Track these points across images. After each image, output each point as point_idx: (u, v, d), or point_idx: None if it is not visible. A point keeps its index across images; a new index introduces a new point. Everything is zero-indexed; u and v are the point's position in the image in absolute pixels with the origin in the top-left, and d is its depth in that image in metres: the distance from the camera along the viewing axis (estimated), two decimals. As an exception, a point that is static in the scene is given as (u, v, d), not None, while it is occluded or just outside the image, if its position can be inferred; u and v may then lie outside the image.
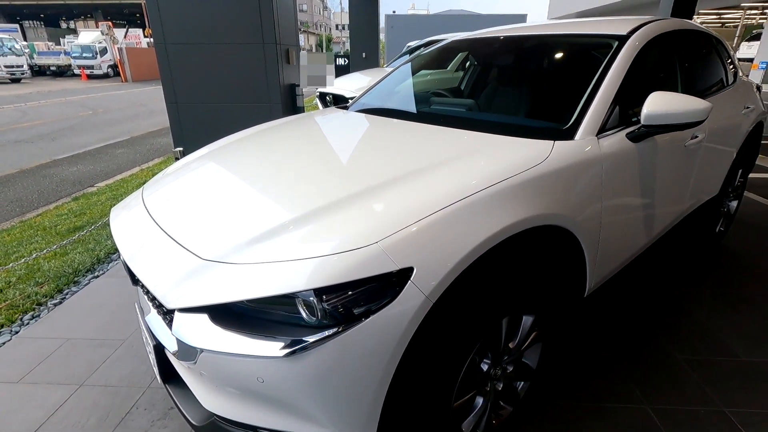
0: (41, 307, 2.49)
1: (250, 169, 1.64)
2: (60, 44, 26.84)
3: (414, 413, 1.20)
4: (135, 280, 1.45)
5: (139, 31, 27.47)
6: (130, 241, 1.38)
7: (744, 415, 1.68)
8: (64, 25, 39.19)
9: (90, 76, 22.11)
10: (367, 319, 1.03)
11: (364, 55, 11.34)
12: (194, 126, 3.59)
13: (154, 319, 1.36)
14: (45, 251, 2.81)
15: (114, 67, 22.57)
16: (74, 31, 32.76)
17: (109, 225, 1.66)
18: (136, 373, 1.94)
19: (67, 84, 20.48)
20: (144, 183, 5.11)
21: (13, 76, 19.67)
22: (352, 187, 1.30)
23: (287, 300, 1.05)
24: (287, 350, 1.00)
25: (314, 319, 1.03)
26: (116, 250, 3.19)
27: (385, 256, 1.05)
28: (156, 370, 1.44)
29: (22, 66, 20.03)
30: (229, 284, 1.07)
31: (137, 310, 1.60)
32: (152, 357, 1.45)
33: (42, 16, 36.16)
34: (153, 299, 1.34)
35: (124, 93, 16.83)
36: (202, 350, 1.08)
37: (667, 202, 2.06)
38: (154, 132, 8.96)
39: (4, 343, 2.17)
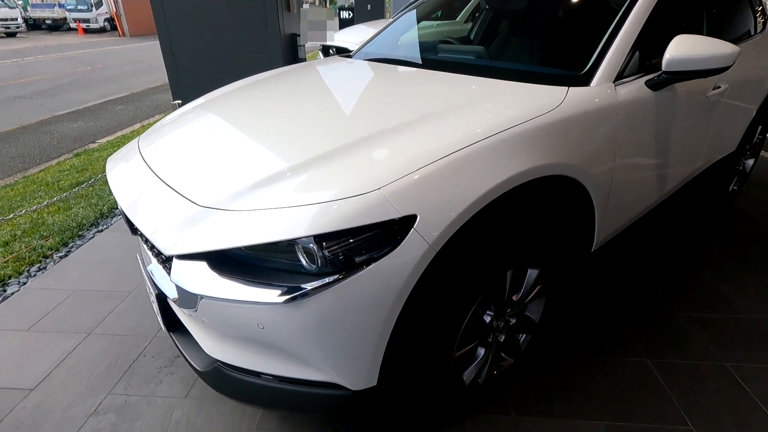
0: (47, 260, 2.51)
1: (248, 118, 1.58)
2: (53, -4, 25.80)
3: (415, 362, 1.20)
4: (134, 230, 1.43)
5: (135, -19, 26.23)
6: (128, 191, 1.34)
7: (746, 369, 1.69)
8: (56, -24, 37.48)
9: (86, 30, 21.38)
10: (369, 268, 1.00)
11: (369, 7, 10.82)
12: (192, 78, 3.47)
13: (155, 268, 1.35)
14: (46, 203, 2.78)
15: (111, 20, 21.77)
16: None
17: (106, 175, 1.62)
18: (142, 324, 1.97)
19: (63, 39, 19.86)
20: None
21: (8, 30, 19.06)
22: (354, 134, 1.24)
23: (286, 247, 1.02)
24: (286, 297, 0.98)
25: (314, 266, 1.01)
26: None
27: (388, 203, 1.01)
28: (160, 318, 1.45)
29: (17, 19, 19.36)
30: (227, 231, 1.04)
31: (139, 260, 1.60)
32: (155, 306, 1.46)
33: (33, -35, 34.50)
34: (152, 248, 1.32)
35: (122, 48, 16.32)
36: (201, 297, 1.07)
37: (683, 157, 1.98)
38: (154, 88, 8.75)
39: (12, 293, 2.20)
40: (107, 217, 3.03)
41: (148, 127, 5.69)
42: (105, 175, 3.38)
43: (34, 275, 2.37)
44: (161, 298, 1.40)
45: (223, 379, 1.24)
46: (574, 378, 1.65)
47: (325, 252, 0.99)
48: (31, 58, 13.45)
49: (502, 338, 1.50)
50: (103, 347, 1.84)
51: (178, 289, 1.11)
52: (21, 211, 2.94)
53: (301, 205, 1.02)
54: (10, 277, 2.34)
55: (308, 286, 0.98)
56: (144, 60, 13.18)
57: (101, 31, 21.84)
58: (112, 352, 1.81)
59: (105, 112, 6.79)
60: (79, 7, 21.27)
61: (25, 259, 2.48)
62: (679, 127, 1.79)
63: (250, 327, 1.07)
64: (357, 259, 1.00)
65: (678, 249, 2.50)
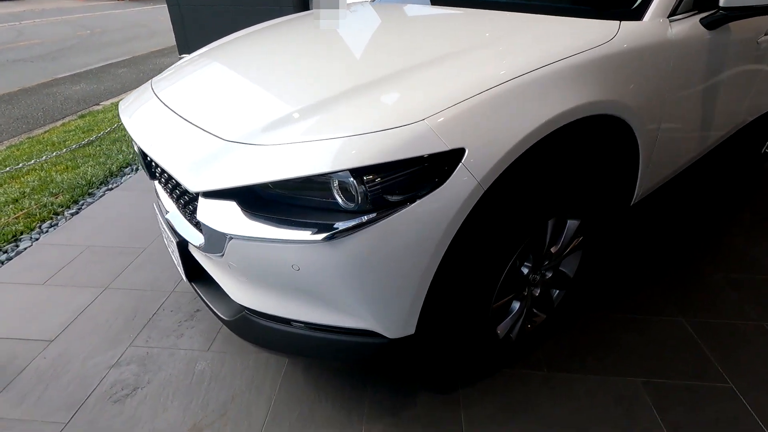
0: (58, 217, 2.45)
1: (269, 58, 1.47)
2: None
3: (454, 311, 1.14)
4: (153, 174, 1.36)
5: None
6: (147, 131, 1.25)
7: (784, 328, 1.63)
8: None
9: (84, -6, 20.75)
10: (412, 205, 0.92)
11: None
12: (197, 31, 3.32)
13: (175, 216, 1.28)
14: (55, 153, 2.71)
15: (108, -17, 21.04)
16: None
17: (119, 116, 1.54)
18: (158, 279, 1.92)
19: (61, 2, 19.31)
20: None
21: (4, -7, 18.52)
22: (390, 68, 1.14)
23: (322, 183, 0.94)
24: (325, 234, 0.91)
25: (352, 204, 0.93)
26: (128, 165, 3.10)
27: (434, 135, 0.92)
28: (180, 268, 1.39)
29: (12, -18, 18.76)
30: (258, 165, 0.96)
31: (156, 210, 1.52)
32: (176, 255, 1.39)
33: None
34: (173, 191, 1.25)
35: (122, 13, 15.85)
36: (231, 237, 1.00)
37: (727, 108, 1.86)
38: (156, 52, 8.50)
39: (25, 249, 2.16)
40: (116, 176, 2.95)
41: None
42: (113, 127, 3.29)
43: (46, 231, 2.31)
44: (182, 246, 1.33)
45: (250, 327, 1.19)
46: (606, 336, 1.60)
47: (366, 187, 0.91)
48: (29, 22, 13.10)
49: (537, 292, 1.43)
50: (120, 301, 1.80)
51: (205, 230, 1.04)
52: (30, 161, 2.87)
53: (338, 137, 0.94)
54: (21, 233, 2.29)
55: (348, 223, 0.91)
56: (145, 24, 12.80)
57: (99, -6, 21.15)
58: (130, 306, 1.77)
59: (107, 75, 6.61)
60: (76, -31, 20.52)
61: (36, 215, 2.43)
62: (728, 74, 1.67)
63: (283, 269, 1.00)
64: (400, 196, 0.92)
65: (710, 210, 2.41)
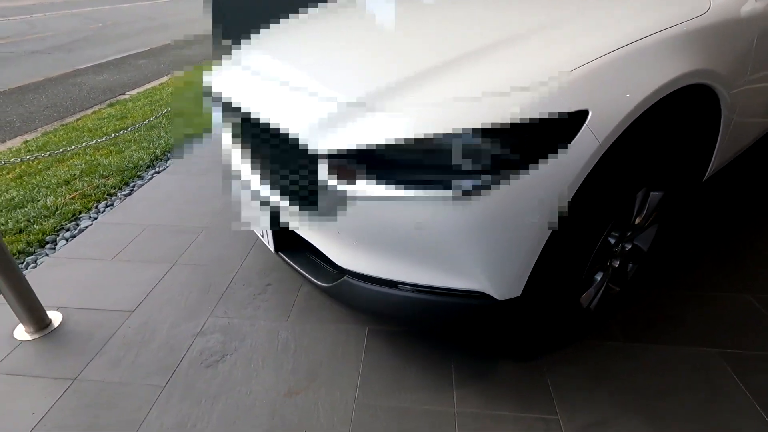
0: (112, 197, 2.48)
1: (366, 26, 1.48)
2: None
3: (556, 276, 1.17)
4: (246, 139, 1.37)
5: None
6: (249, 95, 1.28)
7: None
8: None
9: (91, -12, 20.72)
10: (539, 164, 0.95)
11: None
12: (236, 17, 3.33)
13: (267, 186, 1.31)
14: (105, 138, 2.74)
15: (115, -23, 21.02)
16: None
17: (206, 90, 1.57)
18: (224, 256, 1.96)
19: (68, -4, 19.29)
20: (179, 90, 4.90)
21: (11, -13, 18.50)
22: (509, 30, 1.16)
23: (447, 144, 0.97)
24: (463, 190, 0.94)
25: (478, 163, 0.96)
26: (171, 149, 3.13)
27: (559, 96, 0.95)
28: (269, 239, 1.43)
29: (20, -25, 18.74)
30: (385, 126, 0.99)
31: (240, 182, 1.55)
32: (265, 227, 1.43)
33: None
34: (279, 158, 1.26)
35: (131, 6, 15.84)
36: (354, 199, 1.03)
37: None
38: (173, 43, 8.52)
39: (86, 227, 2.19)
40: (161, 160, 2.98)
41: (178, 80, 5.57)
42: (148, 122, 3.31)
43: (103, 211, 2.35)
44: (275, 216, 1.36)
45: (352, 292, 1.22)
46: (674, 310, 1.63)
47: (492, 147, 0.94)
48: (39, 15, 13.11)
49: (616, 264, 1.47)
50: (190, 276, 1.83)
51: (326, 192, 1.07)
52: (71, 146, 2.90)
53: (465, 98, 0.97)
54: (80, 213, 2.33)
55: (480, 182, 0.94)
56: (156, 17, 12.81)
57: (106, -12, 21.12)
58: (201, 280, 1.81)
59: (128, 66, 6.64)
60: (83, -38, 20.48)
61: (92, 196, 2.46)
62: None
63: (404, 230, 1.03)
64: (525, 155, 0.95)
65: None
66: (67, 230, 2.18)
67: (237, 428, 1.23)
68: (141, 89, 5.30)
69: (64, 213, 2.29)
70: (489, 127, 0.93)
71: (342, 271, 1.24)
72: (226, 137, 1.66)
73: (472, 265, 1.05)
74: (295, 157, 1.15)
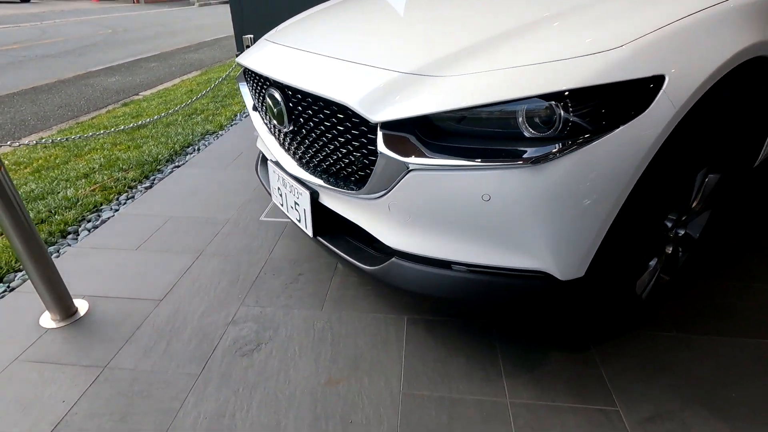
0: (133, 190, 2.44)
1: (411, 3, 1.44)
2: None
3: (619, 256, 1.11)
4: (276, 123, 1.32)
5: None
6: (294, 70, 1.23)
7: None
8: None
9: (100, -3, 21.02)
10: (613, 132, 0.90)
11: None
12: (256, 14, 3.32)
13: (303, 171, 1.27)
14: (123, 127, 2.71)
15: (124, -14, 21.33)
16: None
17: (241, 70, 1.53)
18: (251, 246, 1.90)
19: (78, 5, 19.54)
20: (191, 91, 4.88)
21: (22, -5, 18.77)
22: (569, 2, 1.11)
23: (517, 109, 0.92)
24: (529, 160, 0.89)
25: (551, 131, 0.91)
26: (190, 145, 3.10)
27: (634, 60, 0.90)
28: (308, 223, 1.38)
29: (31, -17, 19.02)
30: (446, 94, 0.94)
31: (271, 171, 1.50)
32: (303, 210, 1.38)
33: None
34: (325, 134, 1.21)
35: (140, 14, 16.03)
36: (417, 170, 0.98)
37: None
38: (183, 48, 8.57)
39: (108, 218, 2.14)
40: (180, 155, 2.95)
41: (190, 82, 5.57)
42: (163, 117, 3.28)
43: (125, 203, 2.30)
44: (314, 197, 1.32)
45: (401, 274, 1.17)
46: (726, 301, 1.56)
47: (563, 114, 0.89)
48: (49, 22, 13.24)
49: (669, 250, 1.41)
50: (219, 266, 1.78)
51: (381, 165, 1.02)
52: (98, 132, 2.87)
53: (529, 64, 0.92)
54: (101, 204, 2.28)
55: (549, 149, 0.89)
56: (165, 24, 12.93)
57: (115, -3, 21.44)
58: (230, 270, 1.75)
59: (139, 68, 6.65)
60: (93, -28, 20.81)
61: (112, 188, 2.42)
62: None
63: (465, 203, 0.98)
64: (598, 122, 0.90)
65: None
66: (89, 221, 2.13)
67: (279, 418, 1.17)
68: (154, 90, 5.29)
69: (85, 204, 2.24)
70: (561, 90, 0.88)
71: (390, 253, 1.18)
72: (258, 122, 1.62)
73: (537, 241, 0.99)
74: (346, 130, 1.10)
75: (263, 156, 1.79)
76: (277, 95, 1.26)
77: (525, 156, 0.89)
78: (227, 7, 19.14)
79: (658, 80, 0.91)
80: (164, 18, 14.76)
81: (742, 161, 1.42)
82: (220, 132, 3.38)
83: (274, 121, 1.36)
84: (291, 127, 1.30)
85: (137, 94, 5.11)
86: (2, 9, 16.86)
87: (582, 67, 0.90)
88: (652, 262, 1.36)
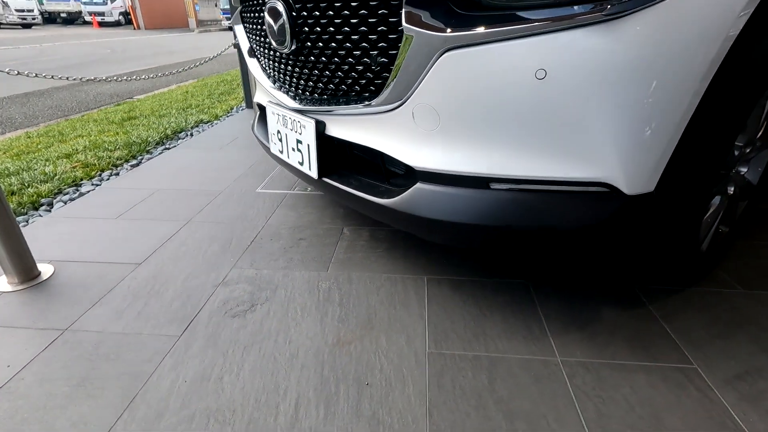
0: (118, 168, 2.24)
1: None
2: (68, -8, 25.85)
3: (692, 173, 0.91)
4: (277, 46, 1.14)
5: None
6: None
7: None
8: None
9: (101, 24, 21.40)
10: (699, -13, 0.72)
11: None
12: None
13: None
14: (109, 105, 2.53)
15: (126, 14, 21.78)
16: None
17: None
18: (247, 214, 1.69)
19: (79, 30, 19.86)
20: (185, 98, 4.74)
21: (24, 21, 19.06)
22: None
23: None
24: (600, 9, 0.70)
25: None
26: (182, 131, 2.92)
27: None
28: (312, 161, 1.19)
29: (33, 11, 19.37)
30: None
31: (272, 112, 1.32)
32: (306, 147, 1.19)
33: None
34: (328, 35, 1.03)
35: (139, 38, 16.24)
36: (452, 47, 0.79)
37: None
38: (181, 63, 8.55)
39: (88, 191, 1.93)
40: (172, 139, 2.76)
41: (185, 89, 5.45)
42: (156, 111, 3.11)
43: (108, 179, 2.10)
44: (320, 130, 1.13)
45: (428, 202, 0.96)
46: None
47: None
48: (49, 44, 13.34)
49: (732, 190, 1.21)
50: (209, 232, 1.56)
51: (412, 46, 0.83)
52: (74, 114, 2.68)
53: None
54: (82, 179, 2.08)
55: (627, 3, 0.71)
56: (164, 46, 13.06)
57: (116, 24, 21.88)
58: (222, 235, 1.54)
59: (136, 79, 6.57)
60: (95, 0, 21.30)
61: (95, 165, 2.22)
62: None
63: (516, 84, 0.79)
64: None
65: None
66: (66, 194, 1.92)
67: (278, 381, 0.93)
68: (150, 94, 5.18)
69: (63, 179, 2.03)
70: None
71: (413, 177, 0.98)
72: (255, 67, 1.45)
73: (602, 137, 0.80)
74: (362, 21, 0.92)
75: (261, 112, 1.62)
76: (279, 6, 1.09)
77: (592, 9, 0.71)
78: (227, 33, 19.34)
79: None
80: (164, 41, 14.95)
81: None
82: (215, 122, 3.22)
83: (275, 46, 1.18)
84: (294, 46, 1.12)
85: (132, 98, 4.98)
86: (2, 33, 17.06)
87: None
88: (716, 200, 1.16)
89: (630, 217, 0.89)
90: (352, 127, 1.07)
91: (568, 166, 0.85)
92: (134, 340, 1.05)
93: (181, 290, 1.24)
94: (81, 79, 2.35)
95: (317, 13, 1.01)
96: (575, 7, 0.73)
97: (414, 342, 1.04)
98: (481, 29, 0.77)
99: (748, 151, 1.18)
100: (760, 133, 1.17)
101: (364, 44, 0.95)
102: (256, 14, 1.31)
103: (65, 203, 1.83)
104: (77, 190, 1.96)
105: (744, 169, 1.24)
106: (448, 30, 0.79)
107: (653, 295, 1.19)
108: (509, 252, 1.33)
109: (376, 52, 0.94)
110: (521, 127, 0.83)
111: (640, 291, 1.21)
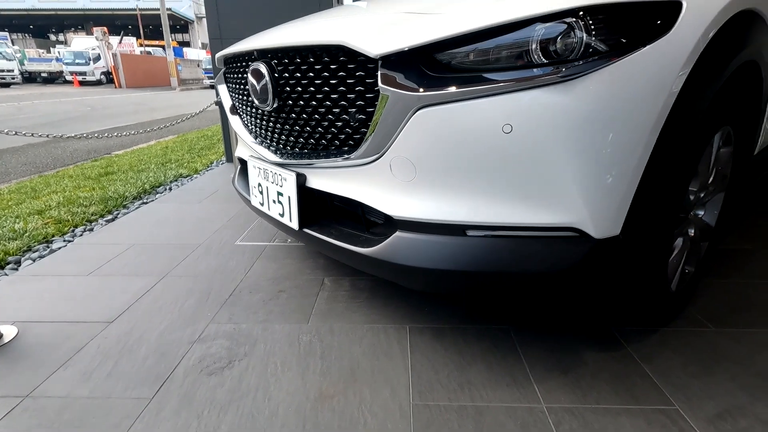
0: (92, 224, 2.20)
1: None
2: (50, 53, 26.40)
3: (653, 212, 0.97)
4: (259, 104, 1.20)
5: (133, 39, 27.27)
6: (275, 37, 1.14)
7: None
8: (53, 38, 38.80)
9: (82, 83, 21.72)
10: (640, 50, 0.82)
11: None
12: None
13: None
14: (92, 158, 2.52)
15: (107, 74, 22.22)
16: (63, 43, 32.53)
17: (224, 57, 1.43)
18: (226, 266, 1.67)
19: (59, 89, 20.09)
20: (165, 153, 4.77)
21: (2, 81, 19.19)
22: None
23: (528, 36, 0.83)
24: (556, 71, 0.78)
25: (569, 53, 0.82)
26: (161, 185, 2.92)
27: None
28: (293, 213, 1.21)
29: (13, 71, 19.58)
30: (456, 20, 0.85)
31: (253, 167, 1.36)
32: (287, 198, 1.22)
33: (31, 27, 35.69)
34: (308, 98, 1.10)
35: (120, 96, 16.50)
36: (425, 105, 0.86)
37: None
38: (161, 120, 8.67)
39: (59, 248, 1.88)
40: (150, 193, 2.75)
41: (166, 144, 5.51)
42: (135, 166, 3.12)
43: (81, 235, 2.05)
44: (301, 182, 1.17)
45: (407, 250, 0.99)
46: (756, 297, 1.42)
47: (581, 33, 0.81)
48: (28, 102, 13.38)
49: (692, 233, 1.29)
50: (186, 286, 1.53)
51: (388, 104, 0.89)
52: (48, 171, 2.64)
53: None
54: (53, 236, 2.02)
55: (579, 62, 0.79)
56: (145, 103, 13.28)
57: (97, 83, 22.24)
58: (199, 289, 1.50)
59: (115, 135, 6.61)
60: (77, 61, 21.76)
61: (68, 221, 2.17)
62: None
63: (485, 138, 0.84)
64: (623, 40, 0.82)
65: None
66: (35, 251, 1.86)
67: (256, 442, 0.89)
68: (128, 150, 5.19)
69: (33, 236, 1.98)
70: (579, 7, 0.81)
71: (392, 226, 1.01)
72: (237, 123, 1.51)
73: (566, 184, 0.85)
74: (341, 81, 0.99)
75: (242, 166, 1.65)
76: (262, 68, 1.16)
77: (551, 72, 0.79)
78: (208, 91, 19.73)
79: (676, 5, 0.86)
80: (145, 99, 15.22)
81: (748, 135, 1.37)
82: (195, 176, 3.24)
83: (257, 104, 1.24)
84: (275, 104, 1.18)
85: (110, 154, 4.98)
86: (-20, 93, 17.08)
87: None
88: (679, 242, 1.23)
89: (600, 260, 0.93)
90: (332, 178, 1.11)
91: (538, 212, 0.89)
92: (102, 404, 0.99)
93: (155, 348, 1.19)
94: (61, 136, 2.34)
95: (298, 74, 1.08)
96: (535, 70, 0.81)
97: (398, 394, 1.01)
98: (450, 89, 0.83)
99: (702, 195, 1.27)
100: (711, 179, 1.26)
101: (343, 102, 1.01)
102: (240, 75, 1.39)
103: (34, 261, 1.77)
104: (48, 247, 1.90)
105: (701, 212, 1.33)
106: (421, 90, 0.85)
107: (631, 336, 1.22)
108: (489, 297, 1.35)
109: (354, 109, 0.99)
110: (492, 177, 0.88)
111: (618, 332, 1.23)
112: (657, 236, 1.01)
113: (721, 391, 1.02)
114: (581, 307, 1.35)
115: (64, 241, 1.97)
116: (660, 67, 0.84)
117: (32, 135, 2.21)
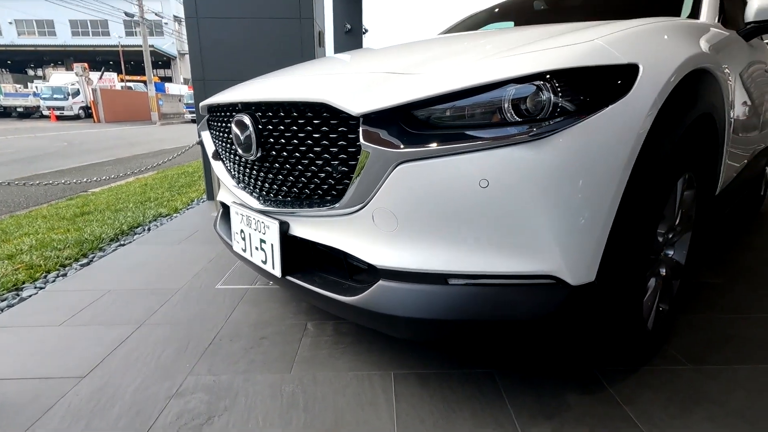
0: (66, 268, 2.13)
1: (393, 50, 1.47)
2: (27, 88, 26.15)
3: (626, 257, 1.01)
4: (243, 153, 1.22)
5: (114, 75, 27.33)
6: (259, 90, 1.18)
7: None
8: (31, 72, 38.56)
9: (60, 117, 21.43)
10: (605, 109, 0.88)
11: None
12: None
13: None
14: (68, 197, 2.47)
15: (86, 108, 22.04)
16: (42, 78, 32.35)
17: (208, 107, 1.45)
18: (205, 313, 1.64)
19: (35, 123, 19.75)
20: (144, 191, 4.68)
21: (-25, 116, 18.80)
22: (545, 32, 1.17)
23: (500, 96, 0.89)
24: (528, 131, 0.83)
25: (538, 112, 0.87)
26: (139, 225, 2.86)
27: (609, 50, 0.93)
28: (276, 260, 1.21)
29: (-13, 105, 19.25)
30: (433, 81, 0.91)
31: (237, 208, 1.36)
32: (269, 246, 1.22)
33: (9, 62, 35.49)
34: (307, 153, 1.11)
35: (99, 131, 16.33)
36: (405, 161, 0.89)
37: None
38: (141, 155, 8.61)
39: (30, 296, 1.81)
40: (128, 234, 2.70)
41: (145, 181, 5.45)
42: (112, 205, 3.07)
43: (53, 281, 1.98)
44: (284, 230, 1.18)
45: (389, 299, 0.99)
46: (731, 332, 1.46)
47: (549, 95, 0.86)
48: (1, 138, 13.10)
49: (664, 272, 1.33)
50: (163, 335, 1.48)
51: (369, 160, 0.92)
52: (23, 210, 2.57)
53: (513, 55, 0.92)
54: (23, 283, 1.95)
55: (550, 121, 0.84)
56: (124, 138, 13.18)
57: (75, 118, 21.99)
58: (178, 338, 1.46)
59: (92, 170, 6.50)
60: (55, 96, 21.58)
61: (40, 266, 2.10)
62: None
63: (463, 192, 0.88)
64: (588, 103, 0.88)
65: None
66: (4, 300, 1.78)
67: (236, 508, 0.85)
68: (106, 187, 5.10)
69: (2, 283, 1.90)
70: (546, 71, 0.87)
71: (375, 275, 1.02)
72: (220, 168, 1.52)
73: (542, 235, 0.89)
74: (323, 136, 1.02)
75: (224, 211, 1.65)
76: (246, 119, 1.18)
77: (522, 131, 0.84)
78: (189, 125, 19.75)
79: (633, 68, 0.93)
80: (124, 133, 15.10)
81: (709, 178, 1.45)
82: (175, 215, 3.20)
83: (240, 152, 1.26)
84: (259, 154, 1.20)
85: (86, 191, 4.88)
86: (-49, 128, 16.65)
87: (563, 52, 0.91)
88: (651, 282, 1.27)
89: (578, 305, 0.96)
90: (315, 227, 1.13)
91: (516, 261, 0.92)
92: (71, 472, 0.93)
93: (129, 405, 1.14)
94: (37, 183, 2.29)
95: (282, 127, 1.11)
96: (508, 128, 0.86)
97: (384, 447, 0.99)
98: (429, 146, 0.87)
99: (671, 236, 1.33)
100: (677, 220, 1.32)
101: (326, 155, 1.04)
102: (224, 123, 1.41)
103: (2, 311, 1.69)
104: (18, 295, 1.83)
105: (671, 252, 1.38)
106: (401, 146, 0.89)
107: (612, 376, 1.23)
108: (472, 343, 1.35)
109: (337, 162, 1.02)
110: (471, 228, 0.91)
111: (600, 372, 1.25)
112: (630, 279, 1.05)
113: (700, 430, 1.04)
114: (563, 349, 1.36)
115: (36, 288, 1.90)
116: (623, 123, 0.90)
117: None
